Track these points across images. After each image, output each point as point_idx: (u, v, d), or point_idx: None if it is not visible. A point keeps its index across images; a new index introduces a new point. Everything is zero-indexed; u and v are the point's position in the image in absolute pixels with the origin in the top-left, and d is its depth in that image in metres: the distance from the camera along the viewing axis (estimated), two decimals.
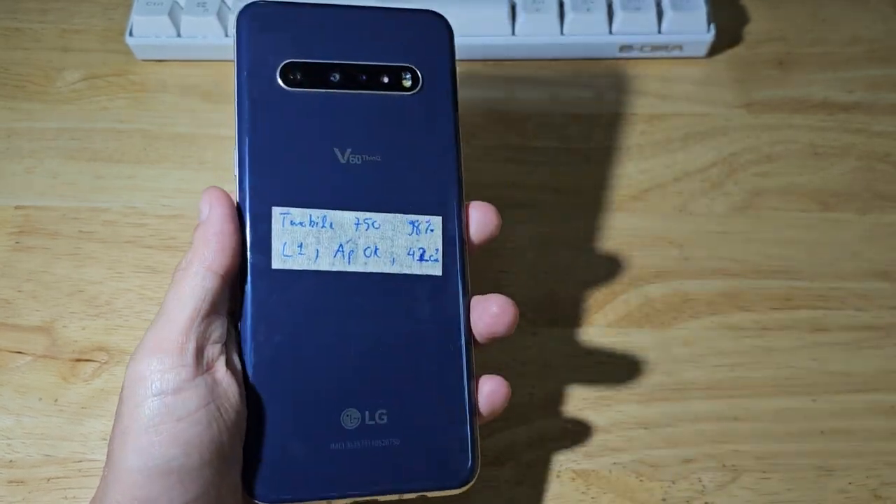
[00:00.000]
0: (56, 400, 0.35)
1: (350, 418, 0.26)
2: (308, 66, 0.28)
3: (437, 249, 0.28)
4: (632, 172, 0.42)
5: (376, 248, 0.27)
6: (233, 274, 0.26)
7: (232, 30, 0.43)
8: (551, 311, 0.38)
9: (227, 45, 0.44)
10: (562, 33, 0.44)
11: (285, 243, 0.27)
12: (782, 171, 0.42)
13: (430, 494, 0.27)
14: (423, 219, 0.28)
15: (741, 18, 0.48)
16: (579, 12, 0.44)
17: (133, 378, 0.24)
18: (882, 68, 0.45)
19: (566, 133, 0.43)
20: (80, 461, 0.34)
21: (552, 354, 0.36)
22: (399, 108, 0.28)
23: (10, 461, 0.34)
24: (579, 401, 0.35)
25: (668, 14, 0.44)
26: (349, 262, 0.27)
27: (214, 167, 0.42)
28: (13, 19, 0.48)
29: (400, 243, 0.28)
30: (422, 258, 0.28)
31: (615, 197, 0.41)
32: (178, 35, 0.44)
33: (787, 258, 0.39)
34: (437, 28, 0.29)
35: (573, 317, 0.37)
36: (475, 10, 0.44)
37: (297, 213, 0.27)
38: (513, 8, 0.44)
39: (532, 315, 0.37)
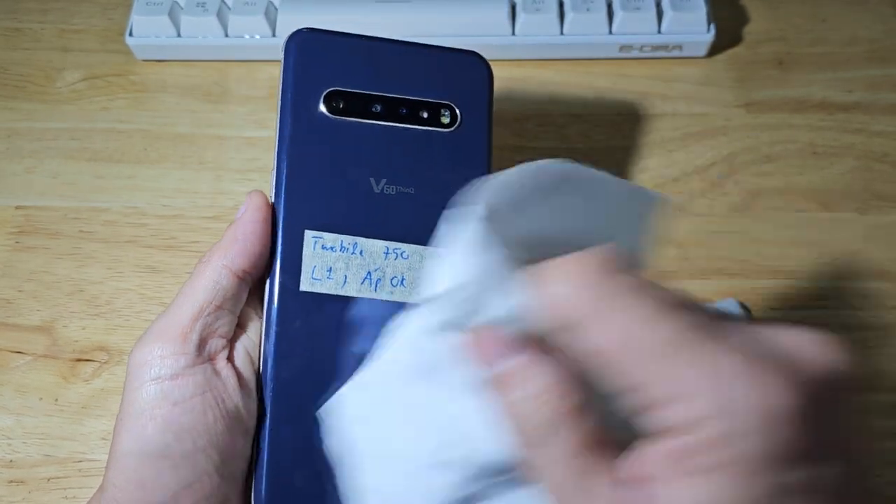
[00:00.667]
0: (56, 400, 0.35)
1: None
2: (351, 96, 0.29)
3: None
4: (631, 172, 0.42)
5: (403, 278, 0.28)
6: (250, 276, 0.27)
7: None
8: None
9: (226, 45, 0.44)
10: (562, 33, 0.44)
11: (315, 267, 0.27)
12: (781, 171, 0.42)
13: None
14: None
15: (741, 18, 0.48)
16: (579, 12, 0.44)
17: (135, 363, 0.25)
18: (881, 68, 0.45)
19: (566, 133, 0.43)
20: (81, 461, 0.34)
21: None
22: (435, 143, 0.29)
23: (11, 461, 0.34)
24: None
25: (668, 14, 0.44)
26: (375, 290, 0.27)
27: (214, 167, 0.42)
28: (13, 19, 0.48)
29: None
30: None
31: None
32: (178, 35, 0.44)
33: (786, 258, 0.39)
34: (477, 69, 0.30)
35: None
36: (475, 10, 0.44)
37: (328, 237, 0.27)
38: (513, 8, 0.44)
39: None
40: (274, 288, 0.27)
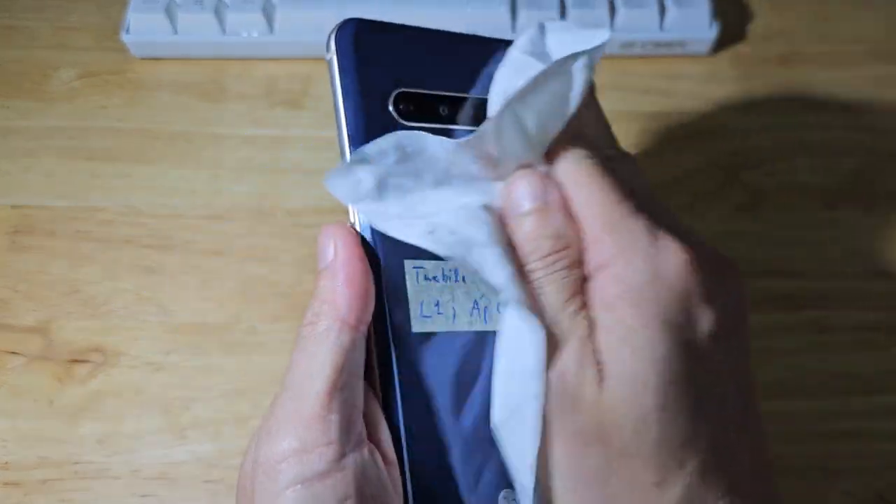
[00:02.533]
0: (51, 402, 0.35)
1: (508, 500, 0.23)
2: (422, 97, 0.25)
3: None
4: None
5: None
6: (365, 325, 0.22)
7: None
8: None
9: (224, 42, 0.44)
10: None
11: (423, 302, 0.23)
12: (786, 170, 0.41)
13: None
14: None
15: (744, 16, 0.47)
16: (580, 9, 0.43)
17: (265, 463, 0.20)
18: (886, 66, 0.45)
19: None
20: (76, 463, 0.33)
21: None
22: None
23: (5, 463, 0.33)
24: None
25: (671, 11, 0.43)
26: (486, 322, 0.24)
27: (212, 166, 0.41)
28: (8, 17, 0.47)
29: None
30: None
31: None
32: (175, 32, 0.44)
33: (791, 258, 0.39)
34: None
35: None
36: (476, 7, 0.43)
37: (430, 266, 0.24)
38: (513, 6, 0.44)
39: None
40: (388, 334, 0.23)
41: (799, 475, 0.33)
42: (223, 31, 0.44)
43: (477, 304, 0.24)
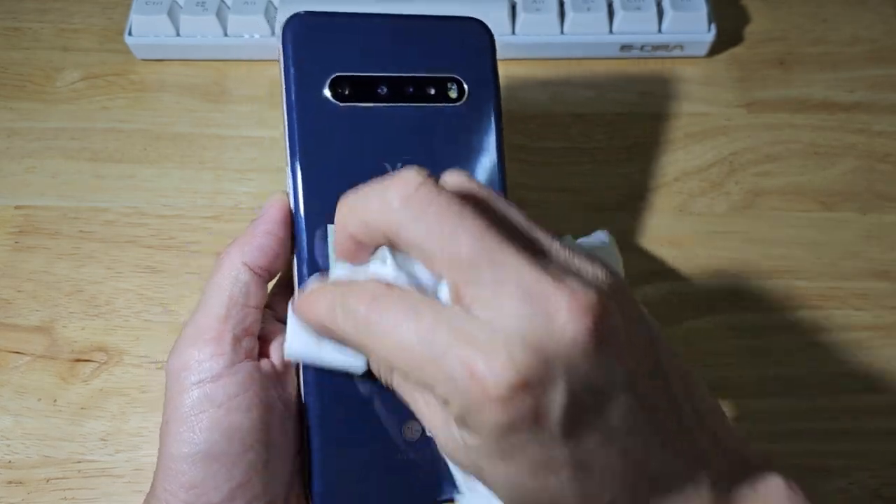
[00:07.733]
0: (55, 400, 0.35)
1: (411, 430, 0.26)
2: (357, 80, 0.27)
3: None
4: (633, 172, 0.42)
5: None
6: (268, 274, 0.26)
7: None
8: None
9: (226, 44, 0.44)
10: (562, 33, 0.44)
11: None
12: (783, 171, 0.42)
13: None
14: None
15: (742, 18, 0.48)
16: (579, 12, 0.44)
17: (174, 369, 0.25)
18: (882, 68, 0.45)
19: (568, 133, 0.43)
20: (80, 462, 0.34)
21: None
22: (445, 119, 0.28)
23: (9, 462, 0.34)
24: None
25: (669, 13, 0.44)
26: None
27: (214, 167, 0.42)
28: (12, 19, 0.48)
29: None
30: None
31: (616, 197, 0.41)
32: (178, 34, 0.44)
33: (788, 258, 0.39)
34: (479, 37, 0.29)
35: None
36: (475, 10, 0.43)
37: None
38: (513, 8, 0.44)
39: None
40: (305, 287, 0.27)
41: (796, 473, 0.34)
42: (225, 32, 0.44)
43: None
